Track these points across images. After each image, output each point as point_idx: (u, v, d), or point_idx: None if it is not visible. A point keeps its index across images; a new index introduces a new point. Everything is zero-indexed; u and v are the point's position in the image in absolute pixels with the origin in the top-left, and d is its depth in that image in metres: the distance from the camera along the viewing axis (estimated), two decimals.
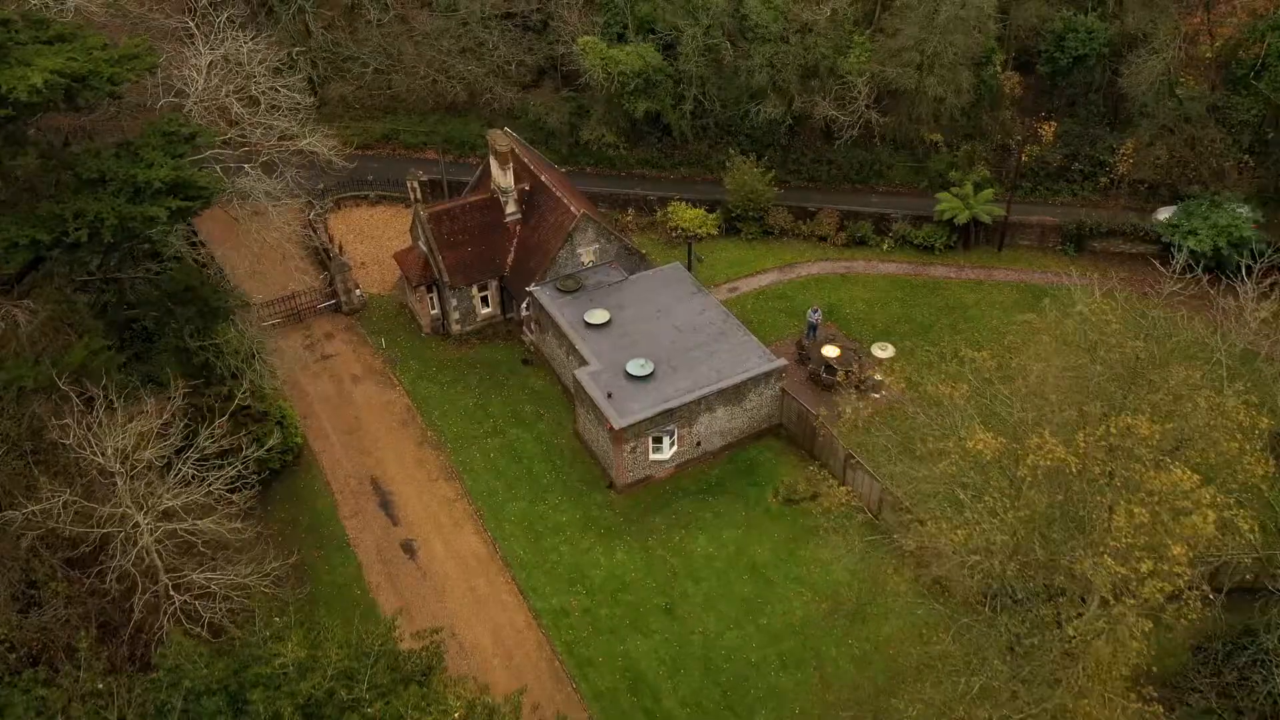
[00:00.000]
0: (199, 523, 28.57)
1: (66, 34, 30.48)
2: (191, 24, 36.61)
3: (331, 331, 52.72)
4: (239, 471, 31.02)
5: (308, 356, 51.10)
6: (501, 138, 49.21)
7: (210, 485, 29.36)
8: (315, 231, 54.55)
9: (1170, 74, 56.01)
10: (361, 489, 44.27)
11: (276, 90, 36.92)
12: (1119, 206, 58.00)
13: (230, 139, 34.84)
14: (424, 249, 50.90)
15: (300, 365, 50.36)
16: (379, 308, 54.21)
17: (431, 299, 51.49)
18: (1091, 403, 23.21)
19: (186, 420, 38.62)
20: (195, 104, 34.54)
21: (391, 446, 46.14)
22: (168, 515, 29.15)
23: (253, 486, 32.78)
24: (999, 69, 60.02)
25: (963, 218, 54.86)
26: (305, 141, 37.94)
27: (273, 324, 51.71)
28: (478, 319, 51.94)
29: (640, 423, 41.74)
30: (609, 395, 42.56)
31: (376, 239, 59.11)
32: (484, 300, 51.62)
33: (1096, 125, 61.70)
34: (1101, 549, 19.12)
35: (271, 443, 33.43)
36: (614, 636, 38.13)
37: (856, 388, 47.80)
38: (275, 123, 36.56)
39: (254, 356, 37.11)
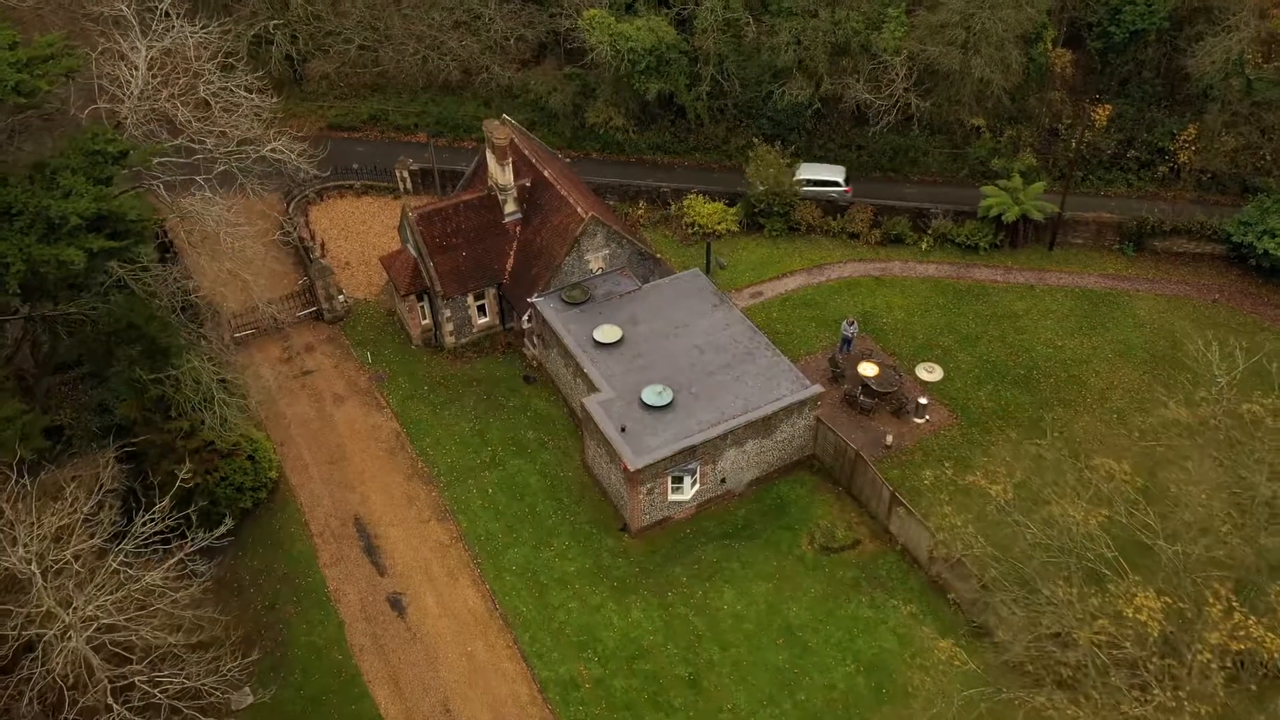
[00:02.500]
0: (137, 630, 23.61)
1: None
2: (126, 10, 30.86)
3: (312, 343, 47.50)
4: (183, 561, 25.93)
5: (285, 372, 45.96)
6: (499, 129, 43.68)
7: (149, 578, 24.33)
8: (291, 235, 49.03)
9: (1241, 52, 50.33)
10: (344, 531, 39.35)
11: (230, 90, 31.41)
12: (1185, 200, 52.58)
13: (179, 147, 29.30)
14: (413, 253, 45.58)
15: (277, 382, 45.25)
16: (364, 315, 48.95)
17: (422, 308, 46.24)
18: (1266, 533, 18.14)
19: (134, 472, 33.82)
20: (131, 110, 29.07)
21: (378, 480, 41.15)
22: (102, 611, 24.19)
23: (203, 578, 27.76)
24: (1049, 46, 54.27)
25: (1011, 214, 49.45)
26: (269, 147, 32.45)
27: (247, 334, 46.67)
28: (474, 330, 46.74)
29: (659, 462, 36.75)
30: (623, 429, 37.53)
31: (362, 235, 53.72)
32: (481, 309, 46.39)
33: (1153, 108, 56.18)
34: None
35: (221, 531, 28.31)
36: (631, 714, 33.40)
37: (896, 413, 42.91)
38: (231, 128, 31.00)
39: (214, 397, 31.90)
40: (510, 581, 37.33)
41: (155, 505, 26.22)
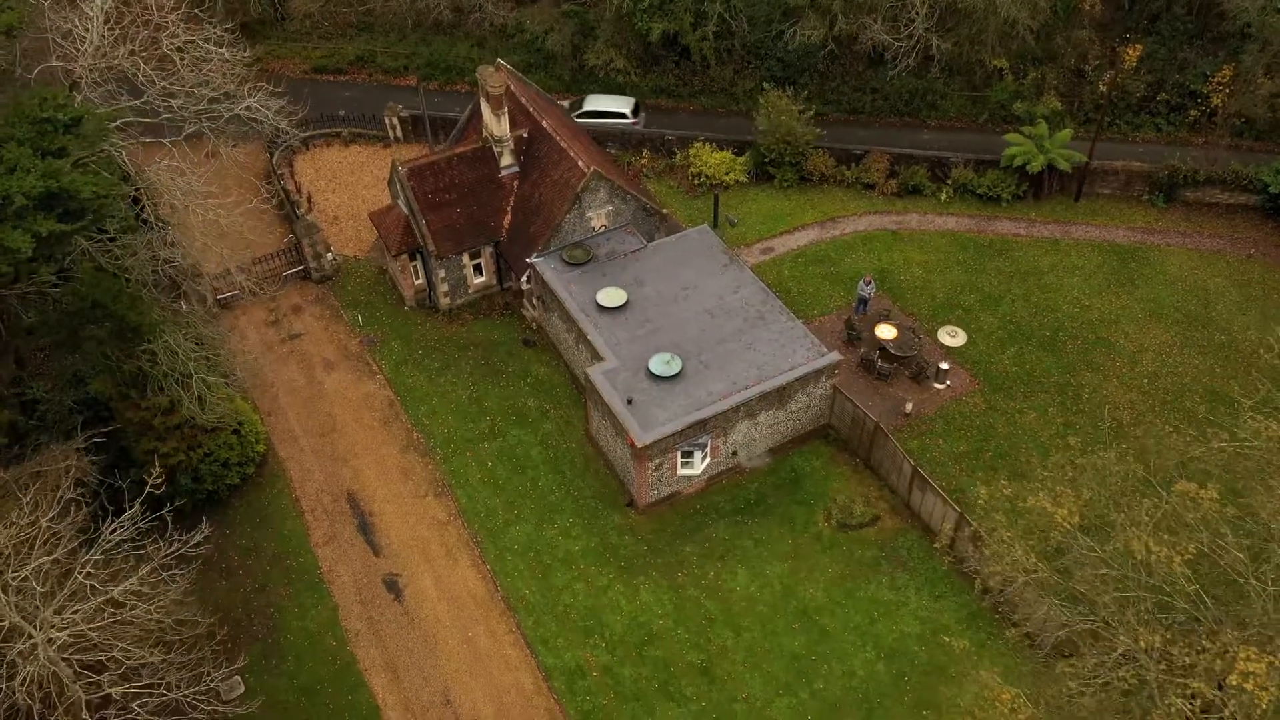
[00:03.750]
0: (111, 647, 21.68)
1: None
2: None
3: (300, 304, 45.12)
4: (158, 569, 23.91)
5: (272, 336, 43.67)
6: (494, 76, 40.77)
7: (118, 591, 22.33)
8: (272, 200, 46.14)
9: None
10: (337, 508, 37.44)
11: (197, 44, 28.51)
12: (1220, 147, 49.77)
13: (143, 108, 26.49)
14: (404, 209, 42.97)
15: (263, 347, 43.00)
16: (354, 274, 46.48)
17: (415, 268, 43.78)
18: None
19: (110, 459, 31.83)
20: (86, 69, 26.26)
21: (371, 452, 39.14)
22: (71, 626, 22.27)
23: (179, 585, 25.77)
24: None
25: (1036, 165, 46.73)
26: (243, 105, 29.66)
27: (232, 295, 44.24)
28: (470, 290, 44.34)
29: (668, 437, 34.71)
30: (629, 401, 35.42)
31: (351, 186, 50.96)
32: (477, 269, 43.93)
33: (1185, 47, 53.03)
34: None
35: (198, 539, 26.23)
36: (640, 705, 31.84)
37: (915, 378, 40.81)
38: (199, 87, 28.15)
39: (192, 376, 29.65)
40: (512, 562, 35.53)
41: (128, 504, 24.14)
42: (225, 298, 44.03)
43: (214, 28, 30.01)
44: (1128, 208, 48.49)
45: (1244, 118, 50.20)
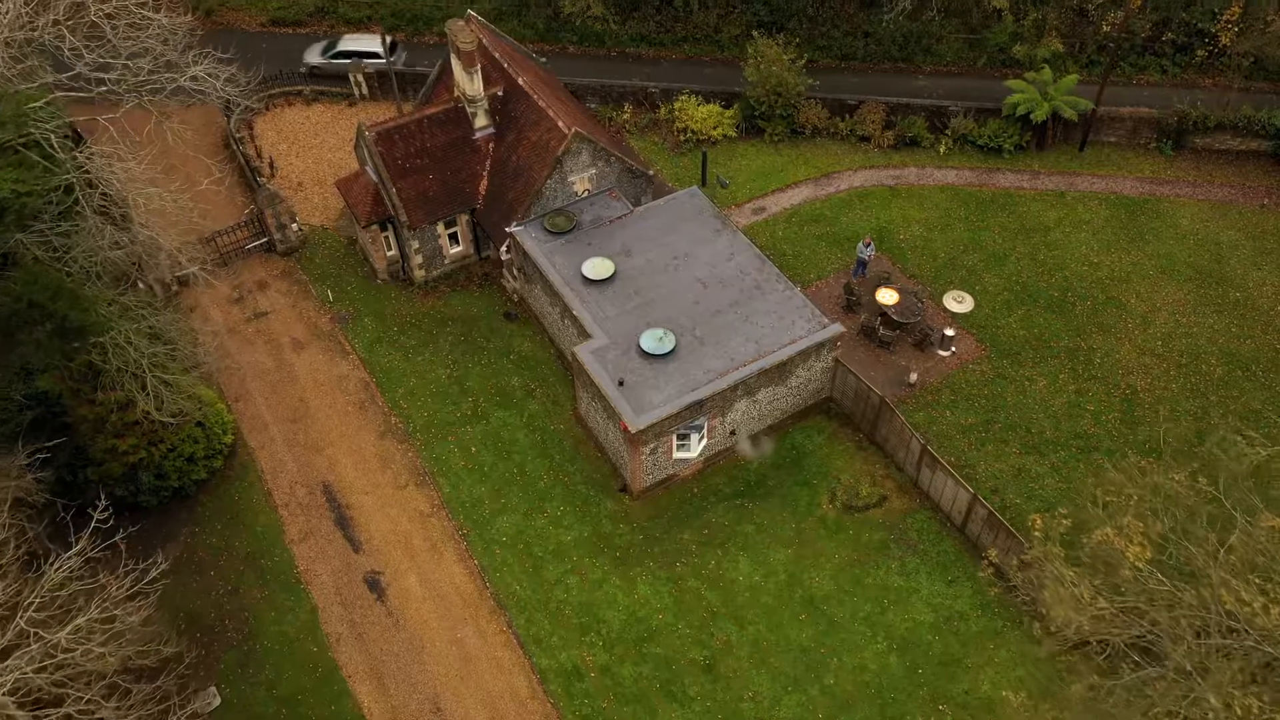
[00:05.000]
0: (65, 694, 19.56)
1: None
2: None
3: (265, 279, 42.40)
4: (113, 603, 21.71)
5: (237, 314, 41.04)
6: (464, 31, 37.78)
7: (63, 636, 20.11)
8: (225, 181, 43.06)
9: None
10: (312, 501, 35.25)
11: (130, 9, 25.48)
12: (1232, 90, 47.42)
13: (72, 84, 23.62)
14: (373, 176, 40.17)
15: (228, 327, 40.41)
16: (322, 245, 43.71)
17: (387, 238, 41.10)
18: None
19: (67, 460, 29.43)
20: (3, 44, 23.26)
21: (347, 440, 36.85)
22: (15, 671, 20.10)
23: (131, 617, 23.56)
24: None
25: (1041, 113, 44.25)
26: (188, 75, 26.73)
27: (189, 271, 41.38)
28: (446, 261, 41.75)
29: (663, 420, 32.60)
30: (620, 383, 33.22)
31: (315, 149, 47.91)
32: (453, 238, 41.30)
33: None
34: None
35: (154, 573, 23.91)
36: (642, 706, 30.14)
37: (919, 345, 38.81)
38: (138, 58, 25.20)
39: (146, 374, 27.15)
40: (501, 555, 33.55)
41: (73, 537, 21.86)
42: (184, 274, 41.21)
43: None
44: (1135, 156, 46.21)
45: (1255, 58, 47.87)
